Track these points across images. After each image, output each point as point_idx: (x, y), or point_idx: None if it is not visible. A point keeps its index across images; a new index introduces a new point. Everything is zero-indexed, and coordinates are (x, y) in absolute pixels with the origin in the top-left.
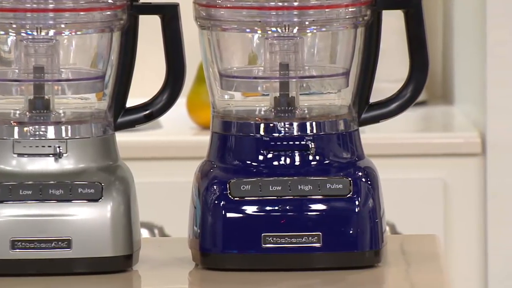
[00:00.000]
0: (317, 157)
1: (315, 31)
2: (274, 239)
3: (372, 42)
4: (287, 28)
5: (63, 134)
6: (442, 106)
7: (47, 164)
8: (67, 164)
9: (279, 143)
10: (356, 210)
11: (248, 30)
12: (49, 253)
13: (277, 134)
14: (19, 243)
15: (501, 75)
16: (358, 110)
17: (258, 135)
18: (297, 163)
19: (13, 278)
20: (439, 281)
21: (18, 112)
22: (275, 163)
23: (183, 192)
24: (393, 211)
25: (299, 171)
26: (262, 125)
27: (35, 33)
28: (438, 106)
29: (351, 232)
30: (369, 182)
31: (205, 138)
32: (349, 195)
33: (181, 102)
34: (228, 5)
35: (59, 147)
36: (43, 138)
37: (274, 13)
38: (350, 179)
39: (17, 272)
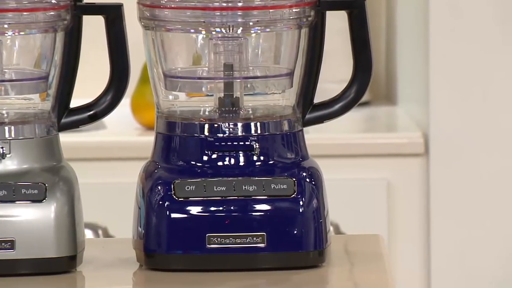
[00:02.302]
0: (262, 158)
1: (259, 31)
2: (219, 239)
3: (316, 43)
4: (231, 28)
5: (6, 135)
6: (385, 106)
7: None
8: (10, 164)
9: (224, 143)
10: (300, 210)
11: (192, 30)
12: None
13: (221, 135)
14: None
15: (443, 75)
16: (302, 110)
17: (202, 136)
18: (241, 163)
19: None
20: (383, 280)
21: None
22: (220, 163)
23: (127, 193)
24: (337, 211)
25: (244, 171)
26: (206, 126)
27: None
28: (381, 106)
29: (295, 232)
30: (313, 182)
31: (150, 138)
32: (293, 195)
33: (125, 102)
34: (172, 6)
35: (2, 147)
36: None
37: (218, 13)
38: (294, 179)
39: None
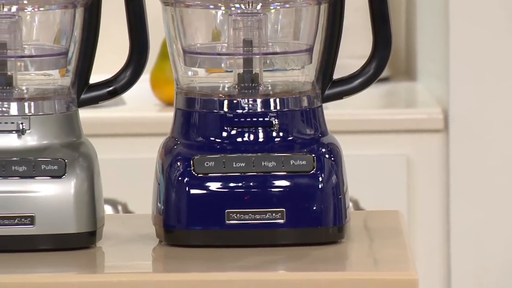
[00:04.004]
0: (281, 134)
1: (278, 7)
2: (238, 215)
3: (336, 19)
4: (250, 4)
5: (26, 111)
6: (405, 82)
7: (10, 141)
8: (30, 140)
9: (243, 119)
10: (320, 186)
11: (211, 6)
12: (12, 230)
13: (240, 111)
14: None
15: (464, 50)
16: (322, 86)
17: (221, 112)
18: (260, 139)
19: None
20: (402, 256)
21: None
22: (239, 139)
23: (147, 169)
24: (357, 187)
25: (263, 147)
26: (225, 102)
27: None
28: (401, 82)
29: (314, 208)
30: (332, 159)
31: (169, 114)
32: (312, 172)
33: (145, 78)
34: None
35: (22, 123)
36: (6, 114)
37: None
38: (313, 155)
39: None
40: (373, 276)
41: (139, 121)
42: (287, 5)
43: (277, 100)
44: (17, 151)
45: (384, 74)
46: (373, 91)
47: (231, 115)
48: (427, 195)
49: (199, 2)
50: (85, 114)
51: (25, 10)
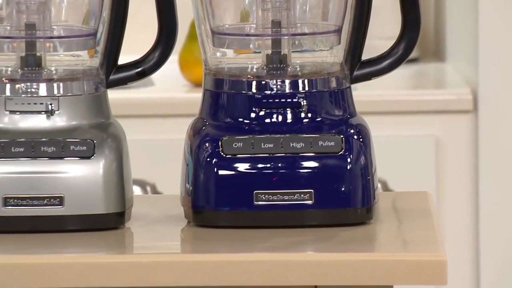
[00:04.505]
0: (309, 115)
1: None
2: (266, 196)
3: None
4: None
5: (55, 91)
6: (434, 63)
7: (39, 121)
8: (59, 121)
9: (271, 100)
10: (348, 167)
11: None
12: (41, 210)
13: (269, 92)
14: (12, 200)
15: (493, 31)
16: (350, 67)
17: (250, 93)
18: (289, 120)
19: (5, 235)
20: (431, 237)
21: (9, 69)
22: (267, 120)
23: (175, 150)
24: (385, 168)
25: (291, 128)
26: (254, 83)
27: None
28: (430, 63)
29: (343, 189)
30: (361, 139)
31: (197, 95)
32: (341, 153)
33: (173, 59)
34: None
35: (51, 104)
36: (35, 95)
37: None
38: (342, 136)
39: (9, 229)
40: (402, 257)
41: (168, 102)
42: None
43: (306, 81)
44: (46, 132)
45: (413, 55)
46: (402, 72)
47: (260, 96)
48: (456, 176)
49: None
50: (114, 95)
51: None
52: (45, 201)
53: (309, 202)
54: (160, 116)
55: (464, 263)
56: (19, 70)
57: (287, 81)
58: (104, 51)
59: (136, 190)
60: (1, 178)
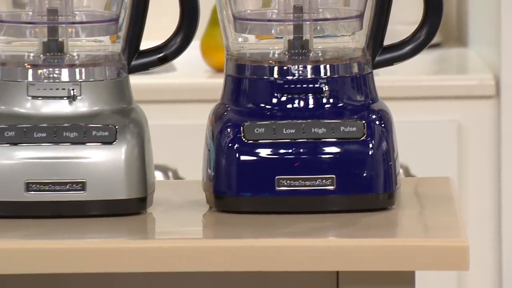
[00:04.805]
0: (331, 100)
1: None
2: (288, 181)
3: None
4: None
5: (77, 77)
6: (456, 48)
7: (61, 107)
8: (81, 106)
9: (293, 86)
10: (370, 153)
11: None
12: (63, 195)
13: (291, 77)
14: (34, 185)
15: None
16: (372, 52)
17: (272, 78)
18: (311, 106)
19: (28, 220)
20: (453, 223)
21: (32, 54)
22: (289, 106)
23: (197, 135)
24: (407, 153)
25: (313, 114)
26: (276, 68)
27: None
28: (452, 48)
29: (364, 174)
30: (383, 125)
31: (219, 80)
32: (363, 138)
33: (195, 44)
34: None
35: (73, 89)
36: (57, 80)
37: None
38: (364, 121)
39: (32, 214)
40: (424, 243)
41: (190, 88)
42: None
43: (327, 66)
44: (68, 117)
45: (435, 40)
46: (424, 57)
47: (281, 81)
48: (478, 162)
49: None
50: (136, 80)
51: None
52: (67, 186)
53: (331, 187)
54: (182, 101)
55: (486, 248)
56: (41, 55)
57: (309, 67)
58: (126, 36)
59: (158, 176)
60: (24, 163)
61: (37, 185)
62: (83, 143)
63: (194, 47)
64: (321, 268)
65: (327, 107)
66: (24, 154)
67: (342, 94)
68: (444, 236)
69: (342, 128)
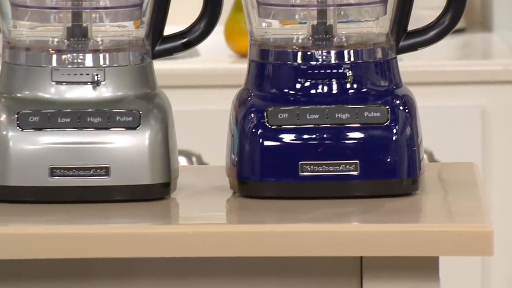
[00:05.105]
0: (355, 85)
1: None
2: (312, 167)
3: None
4: None
5: (101, 62)
6: (480, 33)
7: (85, 92)
8: (105, 92)
9: (317, 71)
10: (394, 138)
11: None
12: (87, 181)
13: (314, 63)
14: (58, 170)
15: None
16: (396, 38)
17: (295, 64)
18: (334, 91)
19: (52, 205)
20: (477, 208)
21: (56, 40)
22: (313, 91)
23: (221, 120)
24: (431, 139)
25: (337, 99)
26: (299, 53)
27: None
28: (476, 33)
29: (388, 160)
30: (406, 110)
31: (243, 66)
32: (386, 123)
33: (219, 30)
34: None
35: (97, 75)
36: (81, 66)
37: None
38: (388, 107)
39: (56, 199)
40: (448, 228)
41: (213, 73)
42: None
43: (351, 51)
44: (92, 103)
45: (459, 25)
46: (448, 42)
47: (305, 66)
48: (502, 147)
49: None
50: (160, 65)
51: None
52: (91, 171)
53: (355, 173)
54: (205, 87)
55: (510, 234)
56: (65, 40)
57: (332, 52)
58: (150, 21)
59: (182, 161)
60: (48, 149)
61: (61, 170)
62: (107, 128)
63: (218, 32)
64: (344, 253)
65: (350, 93)
66: (48, 139)
67: (366, 79)
68: (468, 221)
69: (366, 114)
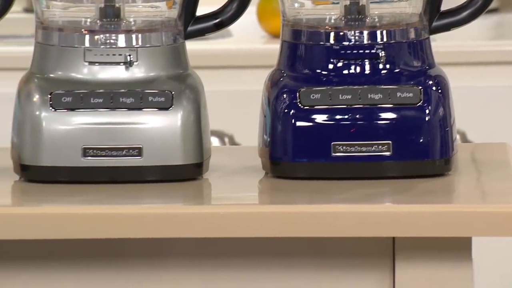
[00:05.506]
0: (388, 66)
1: None
2: (344, 147)
3: None
4: None
5: (134, 43)
6: None
7: (118, 73)
8: (137, 72)
9: (349, 51)
10: (427, 119)
11: None
12: (120, 161)
13: (347, 43)
14: (91, 150)
15: None
16: (429, 18)
17: (328, 44)
18: (367, 71)
19: (84, 186)
20: (510, 189)
21: (89, 20)
22: (345, 71)
23: (253, 101)
24: (464, 119)
25: (369, 79)
26: (332, 34)
27: None
28: (510, 13)
29: (421, 140)
30: (439, 91)
31: (275, 46)
32: (419, 104)
33: (252, 10)
34: None
35: (129, 55)
36: (114, 46)
37: None
38: (420, 87)
39: (89, 180)
40: (481, 209)
41: (246, 53)
42: None
43: (384, 32)
44: (125, 83)
45: (493, 5)
46: (481, 23)
47: (338, 47)
48: None
49: None
50: (192, 46)
51: None
52: (123, 152)
53: (387, 153)
54: (238, 67)
55: None
56: (98, 21)
57: (365, 32)
58: (182, 2)
59: (214, 141)
60: (80, 129)
61: (94, 151)
62: (140, 109)
63: (250, 13)
64: (377, 234)
65: (383, 73)
66: (81, 120)
67: (399, 59)
68: (501, 202)
69: (398, 94)
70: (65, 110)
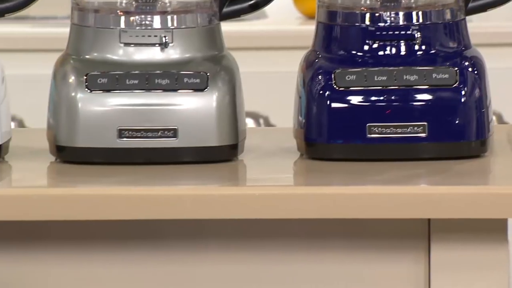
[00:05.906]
0: (423, 47)
1: None
2: (379, 129)
3: None
4: None
5: (169, 24)
6: None
7: (153, 54)
8: (173, 53)
9: (385, 32)
10: (463, 100)
11: None
12: (155, 142)
13: (382, 24)
14: (126, 132)
15: None
16: None
17: (363, 25)
18: (402, 53)
19: (120, 166)
20: None
21: (124, 1)
22: (381, 53)
23: (288, 82)
24: (500, 100)
25: (405, 61)
26: (367, 15)
27: None
28: None
29: (457, 122)
30: (475, 72)
31: (311, 27)
32: (455, 85)
33: None
34: None
35: (165, 36)
36: (149, 27)
37: None
38: (456, 68)
39: (124, 161)
40: None
41: (281, 35)
42: None
43: (420, 13)
44: (160, 64)
45: None
46: None
47: (373, 28)
48: None
49: None
50: (227, 27)
51: None
52: (159, 133)
53: (423, 135)
54: (273, 48)
55: None
56: (133, 2)
57: (401, 13)
58: None
59: (249, 123)
60: (116, 110)
61: (130, 132)
62: (175, 90)
63: None
64: (412, 215)
65: (419, 54)
66: (117, 101)
67: (435, 41)
68: None
69: (434, 75)
70: (101, 91)
